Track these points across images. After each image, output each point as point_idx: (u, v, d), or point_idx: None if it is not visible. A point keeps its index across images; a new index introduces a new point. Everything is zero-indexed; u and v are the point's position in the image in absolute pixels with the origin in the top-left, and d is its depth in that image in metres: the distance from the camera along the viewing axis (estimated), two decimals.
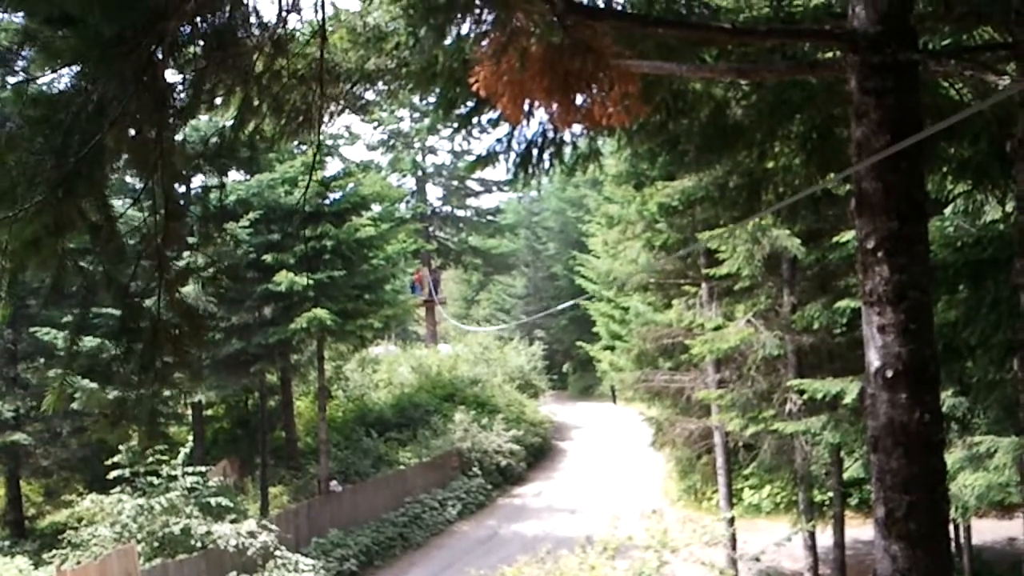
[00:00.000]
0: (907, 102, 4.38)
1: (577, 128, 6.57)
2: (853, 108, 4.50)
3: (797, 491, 16.40)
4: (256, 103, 4.30)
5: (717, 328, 16.12)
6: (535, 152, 6.99)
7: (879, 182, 4.36)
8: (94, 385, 15.49)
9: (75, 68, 3.30)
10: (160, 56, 3.34)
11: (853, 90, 4.48)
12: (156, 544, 18.11)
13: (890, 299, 4.28)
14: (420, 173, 47.57)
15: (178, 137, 3.95)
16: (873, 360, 4.33)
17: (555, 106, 3.78)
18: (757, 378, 15.71)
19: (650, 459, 27.93)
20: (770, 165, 7.54)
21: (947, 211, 9.80)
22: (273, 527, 19.12)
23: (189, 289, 4.10)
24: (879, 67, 4.38)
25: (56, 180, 3.04)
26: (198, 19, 3.52)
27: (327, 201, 23.20)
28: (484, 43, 3.76)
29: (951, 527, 13.05)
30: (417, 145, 47.07)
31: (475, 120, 7.24)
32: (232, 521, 19.04)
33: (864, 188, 4.42)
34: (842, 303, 13.20)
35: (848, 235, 12.04)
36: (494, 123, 7.37)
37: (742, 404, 15.54)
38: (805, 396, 14.00)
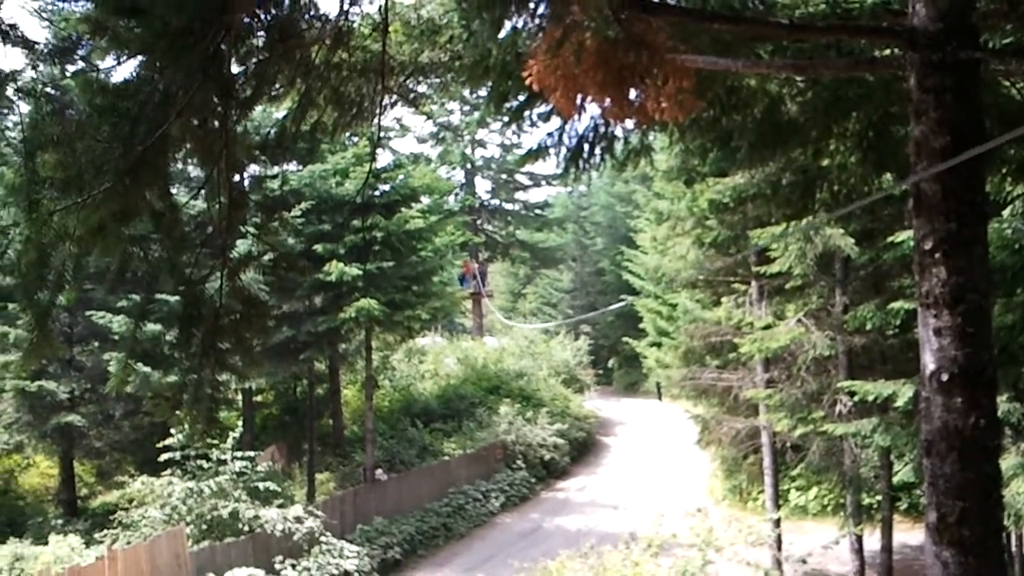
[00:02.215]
0: (967, 101, 4.30)
1: (629, 123, 6.55)
2: (912, 106, 4.43)
3: (845, 494, 16.18)
4: (316, 95, 4.36)
5: (767, 327, 15.95)
6: (586, 147, 6.96)
7: (938, 183, 4.29)
8: (148, 369, 15.89)
9: (141, 58, 3.37)
10: (225, 48, 3.40)
11: (912, 88, 4.41)
12: (204, 527, 18.46)
13: (947, 302, 4.21)
14: (469, 166, 47.73)
15: (239, 128, 4.02)
16: (928, 363, 4.27)
17: (608, 101, 3.78)
18: (807, 378, 15.52)
19: (695, 457, 27.76)
20: (825, 163, 7.43)
21: (1006, 213, 9.59)
22: (319, 513, 19.38)
23: (247, 276, 4.18)
24: (939, 65, 4.30)
25: (123, 168, 3.11)
26: (260, 11, 3.58)
27: (377, 192, 23.40)
28: (539, 37, 3.76)
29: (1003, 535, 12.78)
30: (467, 138, 47.23)
31: (526, 114, 7.23)
32: (279, 506, 19.34)
33: (923, 189, 4.35)
34: (896, 304, 12.98)
35: (903, 235, 11.85)
36: (545, 117, 7.35)
37: (791, 404, 15.37)
38: (856, 398, 13.80)
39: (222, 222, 3.84)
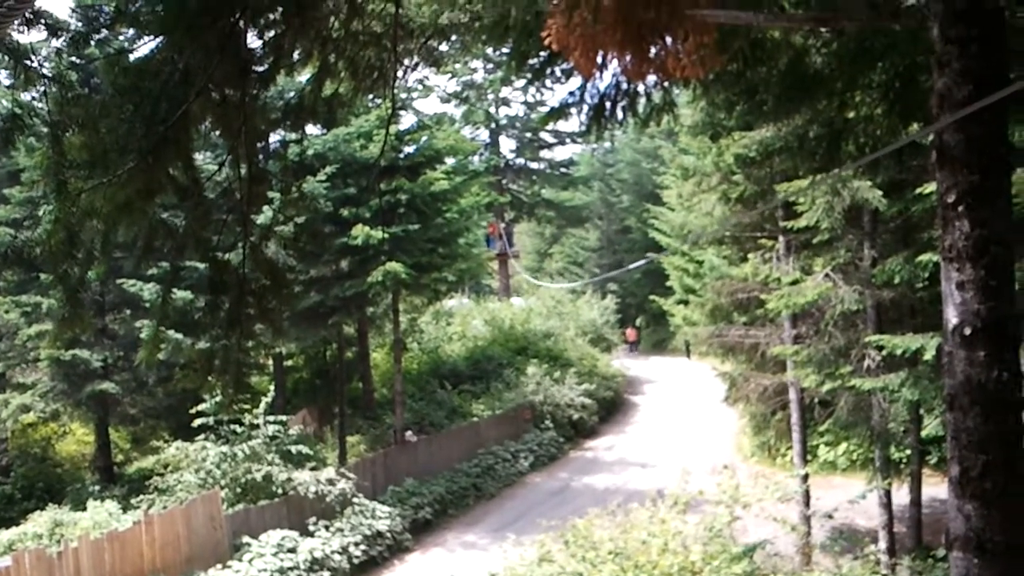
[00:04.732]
0: (992, 51, 4.25)
1: (651, 79, 6.51)
2: (935, 58, 4.39)
3: (874, 448, 16.18)
4: (333, 65, 4.38)
5: (794, 282, 15.88)
6: (608, 104, 6.92)
7: (961, 134, 4.26)
8: (180, 336, 16.13)
9: (161, 38, 3.41)
10: (242, 24, 3.43)
11: (936, 39, 4.37)
12: (239, 490, 18.82)
13: (970, 255, 4.21)
14: (493, 125, 47.56)
15: (259, 100, 4.06)
16: (951, 317, 4.28)
17: (628, 58, 3.76)
18: (835, 334, 15.46)
19: (723, 415, 27.82)
20: (851, 115, 7.37)
21: None
22: (351, 475, 19.69)
23: (272, 246, 4.25)
24: (963, 15, 4.26)
25: (146, 146, 3.18)
26: None
27: (401, 155, 23.40)
28: None
29: None
30: (491, 97, 46.97)
31: (549, 71, 7.20)
32: (312, 469, 19.66)
33: (945, 140, 4.32)
34: (924, 257, 12.89)
35: (932, 187, 11.72)
36: (568, 73, 7.31)
37: (819, 360, 15.34)
38: (884, 352, 13.76)
39: (243, 195, 3.90)
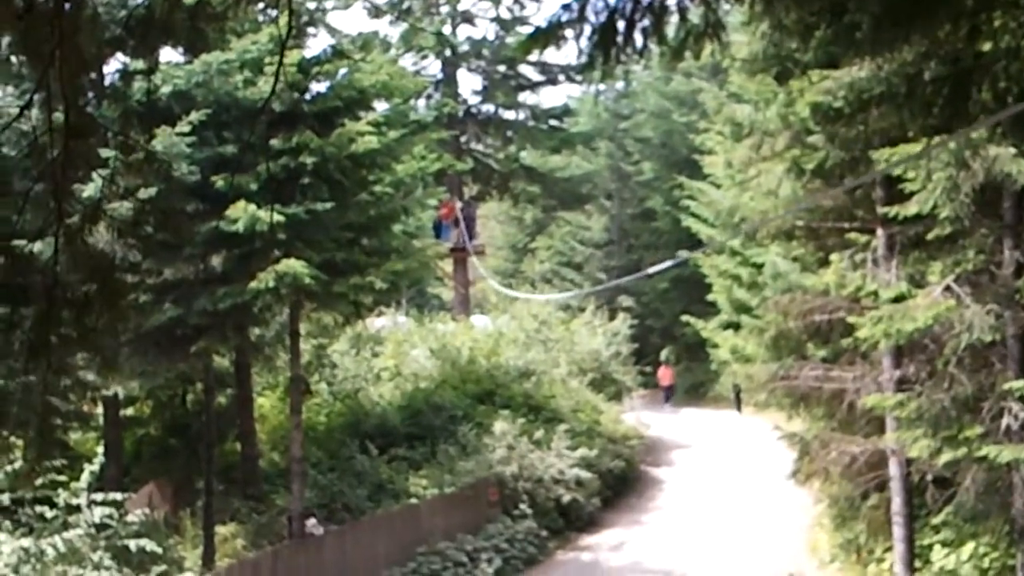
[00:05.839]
0: None
1: None
2: None
3: (1015, 551, 16.33)
4: None
5: (899, 298, 16.01)
6: (622, 25, 6.94)
7: None
8: None
9: None
10: None
11: None
12: None
13: None
14: (449, 53, 47.49)
15: (84, 10, 4.02)
16: None
17: None
18: (959, 377, 15.59)
19: (791, 498, 27.96)
20: (986, 47, 7.47)
21: None
22: None
23: (101, 232, 4.21)
24: None
25: None
26: None
27: (307, 96, 23.34)
28: None
29: None
30: (444, 10, 46.96)
31: None
32: (161, 574, 19.50)
33: None
34: None
35: None
36: None
37: (934, 416, 15.45)
38: None
39: (57, 156, 3.85)
